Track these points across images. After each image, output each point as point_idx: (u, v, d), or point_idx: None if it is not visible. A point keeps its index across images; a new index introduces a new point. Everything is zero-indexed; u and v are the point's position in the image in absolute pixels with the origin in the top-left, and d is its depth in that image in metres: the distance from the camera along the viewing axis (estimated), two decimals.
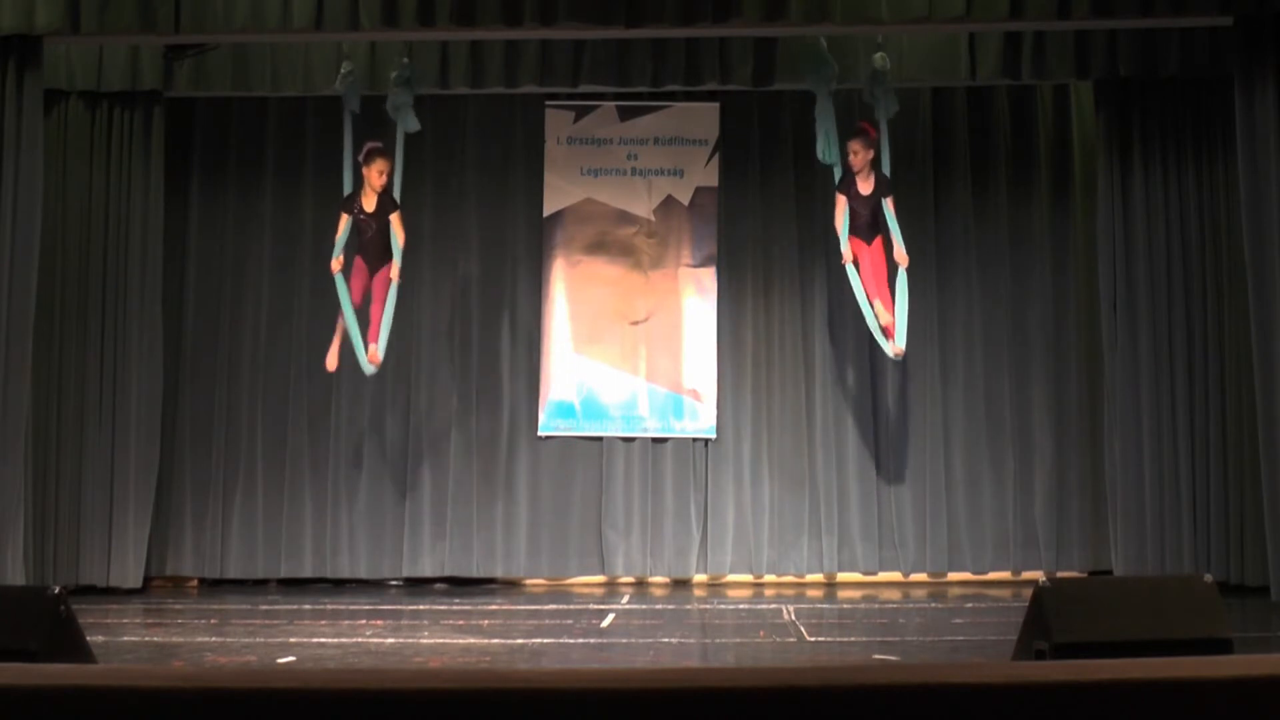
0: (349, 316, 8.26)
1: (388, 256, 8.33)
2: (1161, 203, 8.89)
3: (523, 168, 9.72)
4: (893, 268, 8.39)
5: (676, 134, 9.69)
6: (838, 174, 8.42)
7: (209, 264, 9.62)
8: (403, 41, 8.35)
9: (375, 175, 8.27)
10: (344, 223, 8.34)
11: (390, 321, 8.32)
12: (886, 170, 8.34)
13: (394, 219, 8.33)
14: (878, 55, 8.21)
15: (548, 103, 9.64)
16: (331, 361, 8.52)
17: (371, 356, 8.25)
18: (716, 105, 9.64)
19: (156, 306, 9.03)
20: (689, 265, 9.64)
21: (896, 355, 8.47)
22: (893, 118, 8.35)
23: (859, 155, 8.29)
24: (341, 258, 8.28)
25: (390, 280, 8.30)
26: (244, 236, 9.65)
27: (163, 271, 9.10)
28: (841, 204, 8.38)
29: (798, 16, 7.69)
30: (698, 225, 9.65)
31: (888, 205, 8.31)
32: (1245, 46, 7.75)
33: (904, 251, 8.27)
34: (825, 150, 8.31)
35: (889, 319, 8.29)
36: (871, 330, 8.46)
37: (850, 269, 8.37)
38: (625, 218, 9.68)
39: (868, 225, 8.39)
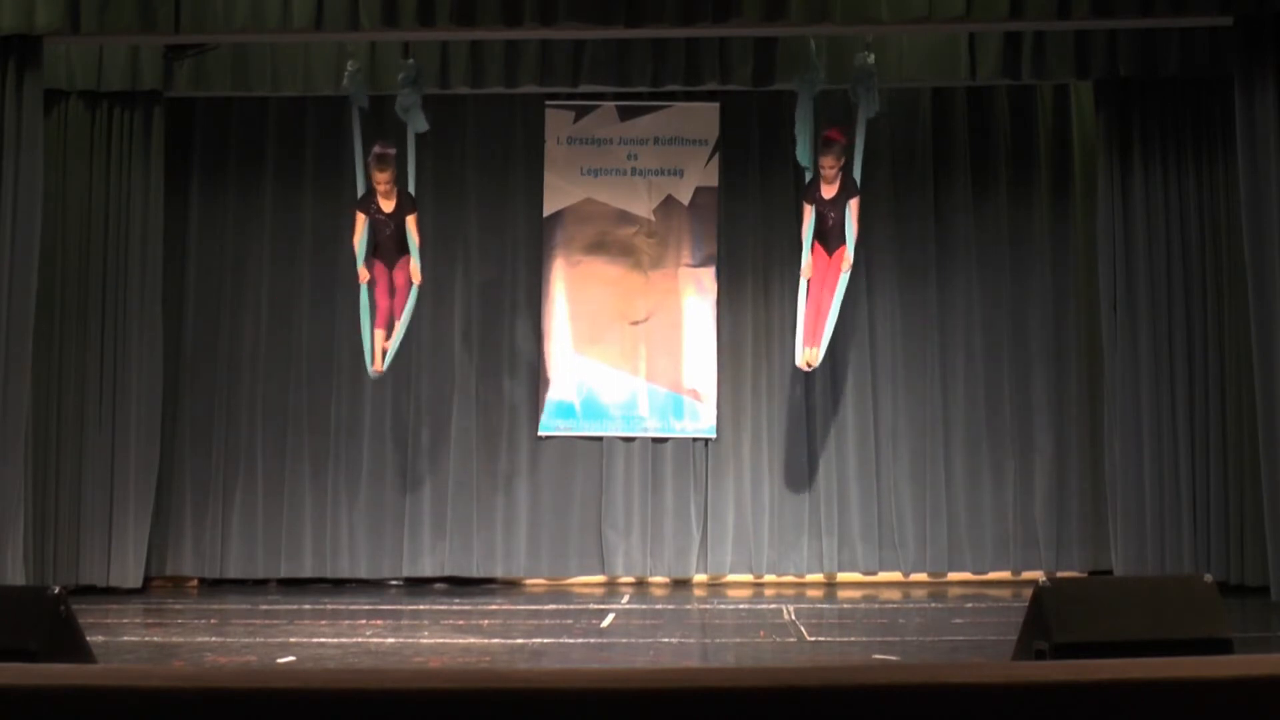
0: (366, 331, 8.31)
1: (403, 251, 8.33)
2: (1161, 203, 8.89)
3: (523, 168, 9.72)
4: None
5: (676, 134, 9.69)
6: (808, 177, 8.41)
7: (209, 264, 9.62)
8: (402, 41, 8.35)
9: (382, 181, 8.24)
10: (360, 225, 8.31)
11: (405, 329, 8.33)
12: (857, 173, 8.29)
13: (410, 221, 8.31)
14: (864, 54, 8.19)
15: (548, 103, 9.63)
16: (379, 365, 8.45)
17: (378, 367, 8.31)
18: (716, 105, 9.64)
19: (156, 306, 9.03)
20: (689, 265, 9.65)
21: (807, 366, 8.48)
22: (874, 117, 8.33)
23: (831, 168, 8.26)
24: (365, 268, 8.27)
25: (411, 282, 8.30)
26: (244, 236, 9.65)
27: (163, 271, 9.10)
28: (808, 213, 8.37)
29: (798, 16, 7.69)
30: (698, 225, 9.65)
31: (850, 207, 8.26)
32: (1245, 46, 7.75)
33: (850, 256, 8.28)
34: (802, 152, 8.32)
35: (813, 348, 8.30)
36: (797, 332, 8.42)
37: (803, 284, 8.34)
38: (625, 218, 9.67)
39: (836, 230, 8.33)
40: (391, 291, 8.35)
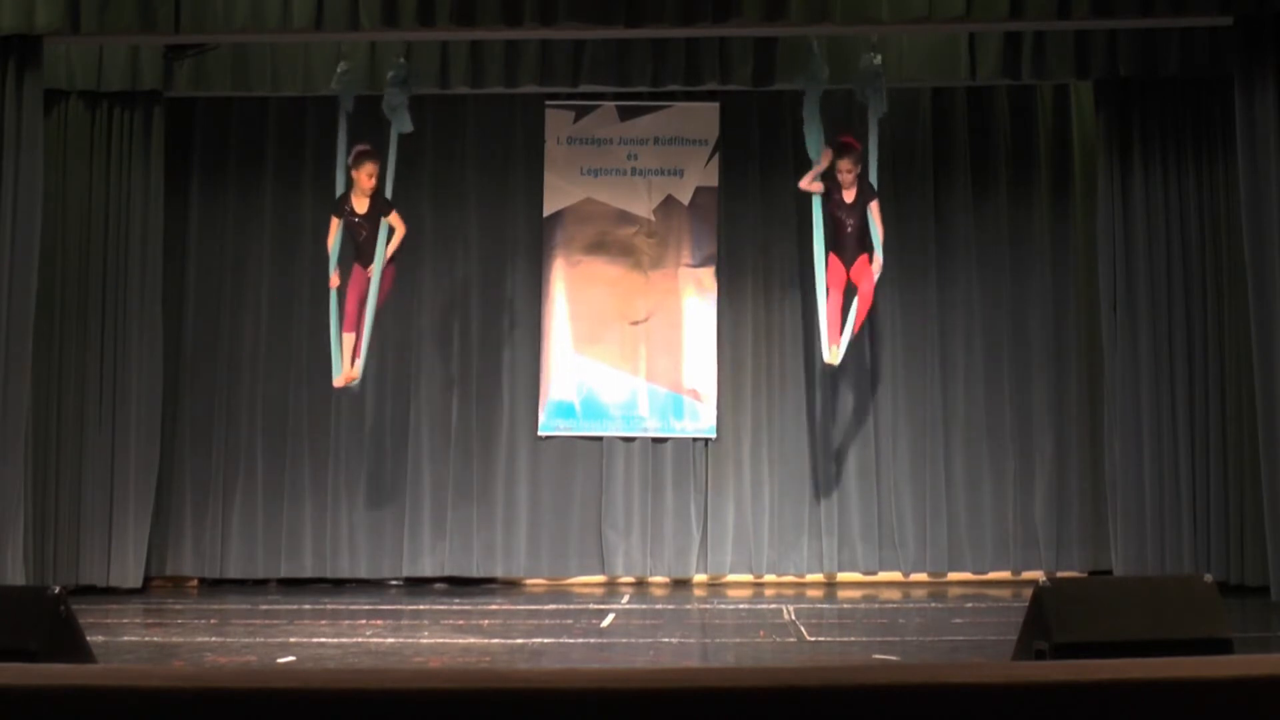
0: (334, 337, 8.27)
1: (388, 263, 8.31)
2: (1161, 203, 8.89)
3: (523, 168, 9.72)
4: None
5: (676, 134, 9.69)
6: (815, 155, 8.32)
7: (209, 264, 9.62)
8: (402, 41, 8.35)
9: (364, 178, 8.22)
10: (334, 229, 8.30)
11: (369, 337, 8.23)
12: (874, 176, 8.28)
13: (391, 216, 8.28)
14: (871, 55, 8.19)
15: (548, 103, 9.63)
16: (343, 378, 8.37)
17: (349, 376, 8.23)
18: (716, 105, 9.64)
19: (156, 306, 9.03)
20: (689, 265, 9.65)
21: (829, 366, 8.47)
22: (883, 117, 8.33)
23: (849, 173, 8.26)
24: (338, 273, 8.26)
25: (378, 288, 8.18)
26: (244, 236, 9.65)
27: (163, 271, 9.10)
28: (819, 185, 8.30)
29: (798, 16, 7.69)
30: (698, 225, 9.65)
31: (871, 210, 8.26)
32: (1245, 46, 7.75)
33: (880, 258, 8.29)
34: (814, 150, 8.31)
35: (836, 346, 8.27)
36: (821, 328, 8.39)
37: (820, 283, 8.28)
38: (625, 218, 9.67)
39: (854, 237, 8.32)
40: (361, 296, 8.26)
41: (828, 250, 8.33)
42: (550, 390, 9.54)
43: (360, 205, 8.26)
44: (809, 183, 8.36)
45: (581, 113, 9.70)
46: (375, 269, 8.23)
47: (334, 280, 8.29)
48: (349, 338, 8.24)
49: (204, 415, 9.45)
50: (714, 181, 9.67)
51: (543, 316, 9.60)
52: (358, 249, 8.31)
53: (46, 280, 8.32)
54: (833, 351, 8.32)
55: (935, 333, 9.52)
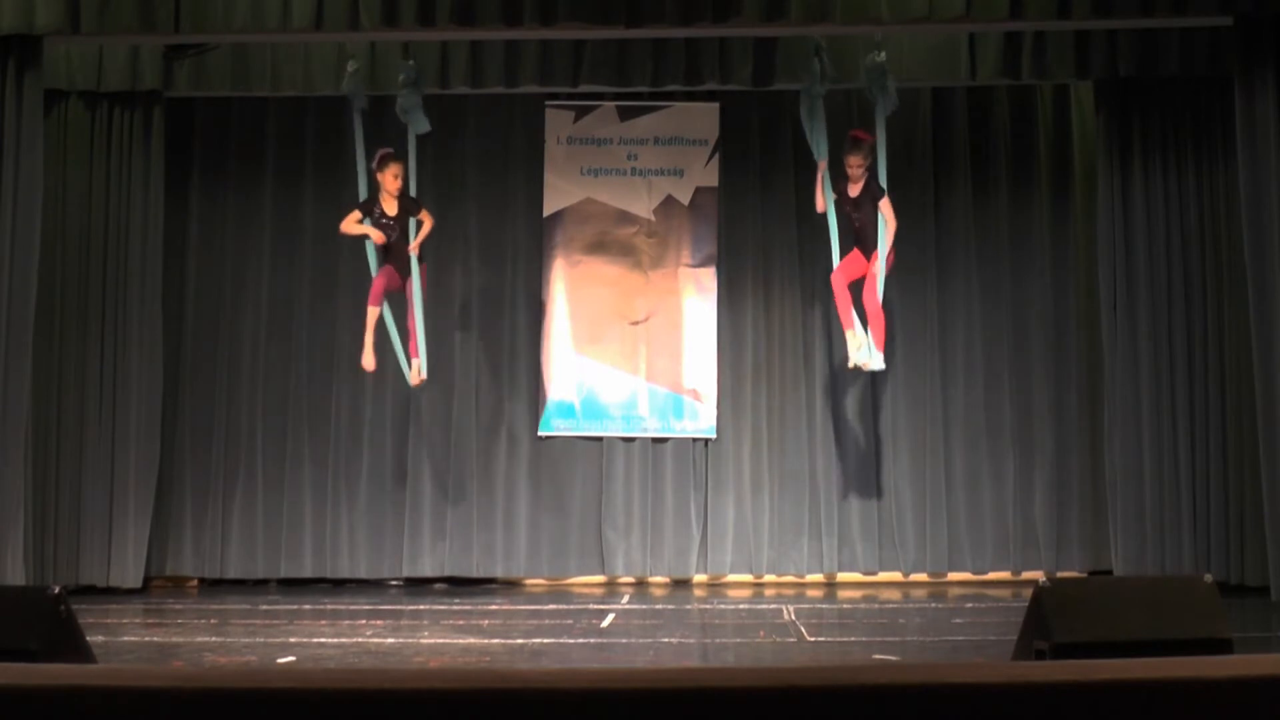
0: (394, 339, 8.39)
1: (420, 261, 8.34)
2: (1161, 203, 8.89)
3: (523, 168, 9.72)
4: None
5: (676, 134, 9.69)
6: (819, 151, 8.23)
7: (209, 264, 9.62)
8: (402, 41, 8.34)
9: (390, 180, 8.24)
10: (352, 220, 8.31)
11: (423, 336, 8.38)
12: (883, 175, 8.21)
13: (421, 214, 8.31)
14: (875, 52, 8.16)
15: (548, 103, 9.64)
16: (368, 361, 8.41)
17: (418, 379, 8.48)
18: (716, 105, 9.64)
19: (156, 306, 9.03)
20: (689, 265, 9.65)
21: (866, 368, 8.28)
22: (891, 115, 8.31)
23: (858, 167, 8.20)
24: (381, 275, 8.31)
25: (413, 285, 8.29)
26: (244, 236, 9.65)
27: (163, 271, 9.10)
28: (822, 168, 8.23)
29: (798, 16, 7.69)
30: (698, 225, 9.65)
31: (882, 208, 8.21)
32: (1245, 46, 7.75)
33: (882, 257, 8.17)
34: (819, 149, 8.27)
35: (859, 344, 8.19)
36: (855, 339, 8.29)
37: (835, 245, 8.22)
38: (625, 218, 9.67)
39: (866, 232, 8.25)
40: (389, 284, 8.31)
41: (850, 248, 8.26)
42: (550, 390, 9.54)
43: (390, 207, 8.29)
44: (821, 199, 8.25)
45: (581, 113, 9.70)
46: (414, 266, 8.28)
47: (350, 223, 8.34)
48: (372, 310, 8.29)
49: (204, 415, 9.45)
50: (714, 181, 9.67)
51: (543, 316, 9.60)
52: (390, 250, 8.33)
53: (46, 280, 8.31)
54: (862, 352, 8.19)
55: (935, 332, 9.51)
